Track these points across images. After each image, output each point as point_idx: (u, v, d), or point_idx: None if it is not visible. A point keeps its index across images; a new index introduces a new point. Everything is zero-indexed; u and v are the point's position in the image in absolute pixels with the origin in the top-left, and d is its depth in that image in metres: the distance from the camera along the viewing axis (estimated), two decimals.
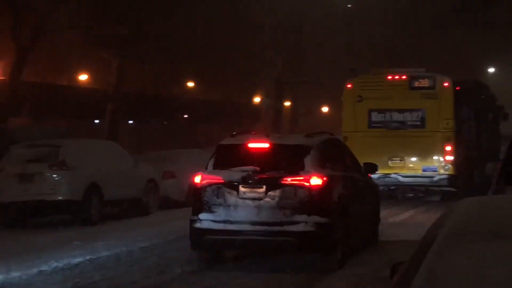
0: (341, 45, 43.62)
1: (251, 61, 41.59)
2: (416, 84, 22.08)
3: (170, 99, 41.39)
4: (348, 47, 43.52)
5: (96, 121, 36.48)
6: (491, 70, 67.17)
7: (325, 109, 55.02)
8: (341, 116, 23.37)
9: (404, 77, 22.23)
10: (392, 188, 23.08)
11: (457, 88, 22.33)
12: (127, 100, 33.42)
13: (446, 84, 22.00)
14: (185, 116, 43.50)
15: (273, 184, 10.95)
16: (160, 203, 20.74)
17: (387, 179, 21.79)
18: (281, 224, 10.91)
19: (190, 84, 43.07)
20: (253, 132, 12.87)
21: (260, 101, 46.70)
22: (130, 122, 40.96)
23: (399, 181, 22.20)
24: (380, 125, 22.34)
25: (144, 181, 20.03)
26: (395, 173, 21.89)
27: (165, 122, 42.86)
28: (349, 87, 22.80)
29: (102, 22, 30.00)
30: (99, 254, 13.10)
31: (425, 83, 22.08)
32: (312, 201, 10.87)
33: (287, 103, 46.73)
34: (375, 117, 22.41)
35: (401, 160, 22.05)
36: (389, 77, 22.35)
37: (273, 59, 41.03)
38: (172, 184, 21.54)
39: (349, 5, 41.46)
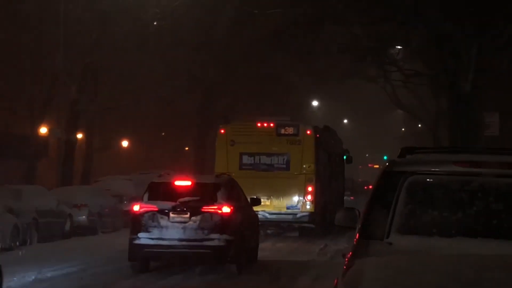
0: (149, 72, 41.15)
1: (39, 85, 38.58)
2: (282, 131, 26.86)
3: None
4: (158, 74, 41.61)
5: None
6: (315, 103, 70.59)
7: (125, 143, 52.19)
8: (215, 158, 27.68)
9: (272, 124, 26.95)
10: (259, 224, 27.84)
11: (317, 135, 27.26)
12: None
13: (308, 132, 26.90)
14: None
15: (195, 211, 16.09)
16: None
17: None
18: (201, 240, 16.04)
19: None
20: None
21: (49, 132, 40.53)
22: None
23: (266, 218, 25.93)
24: (250, 167, 26.83)
25: None
26: (262, 211, 25.11)
27: None
28: (222, 132, 27.35)
29: None
30: None
31: (290, 130, 26.89)
32: (223, 223, 16.08)
33: (80, 136, 41.47)
34: (246, 159, 26.96)
35: (268, 199, 26.03)
36: (259, 125, 27.05)
37: (66, 82, 37.02)
38: None
39: (155, 23, 38.02)
